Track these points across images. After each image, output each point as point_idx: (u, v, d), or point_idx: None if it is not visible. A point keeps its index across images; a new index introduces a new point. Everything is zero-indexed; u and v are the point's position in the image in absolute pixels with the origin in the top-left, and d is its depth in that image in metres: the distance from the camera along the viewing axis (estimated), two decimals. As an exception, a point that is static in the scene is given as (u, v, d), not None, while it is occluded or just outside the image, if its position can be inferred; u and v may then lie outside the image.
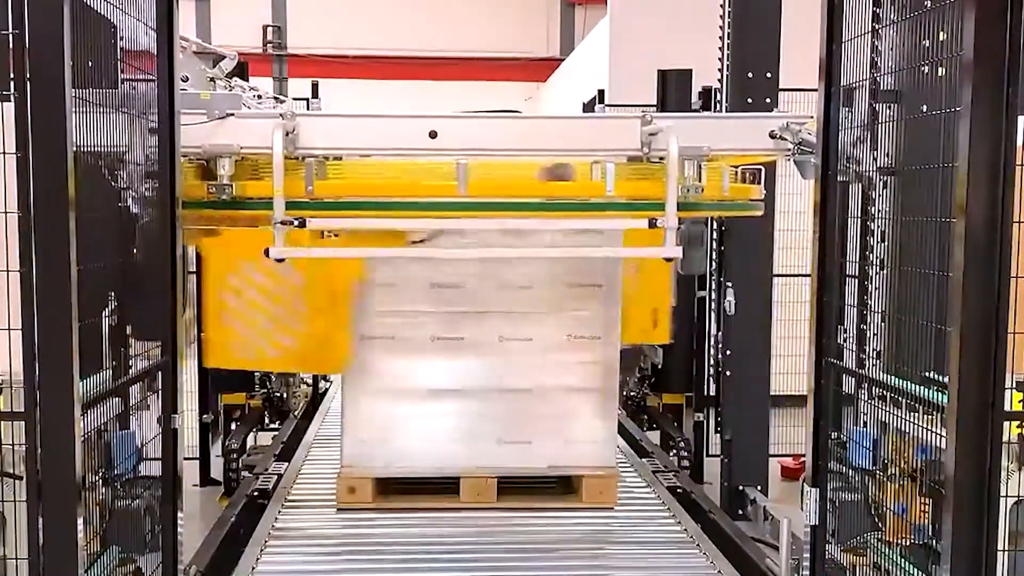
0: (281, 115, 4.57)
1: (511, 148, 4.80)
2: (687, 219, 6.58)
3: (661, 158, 4.64)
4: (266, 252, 4.43)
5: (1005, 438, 3.08)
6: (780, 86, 7.14)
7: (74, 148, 3.09)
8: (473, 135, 4.75)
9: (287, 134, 4.45)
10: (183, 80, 4.67)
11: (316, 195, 4.63)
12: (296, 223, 4.40)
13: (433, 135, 4.65)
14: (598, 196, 4.77)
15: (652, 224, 4.49)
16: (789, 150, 4.85)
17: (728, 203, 5.15)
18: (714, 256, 8.07)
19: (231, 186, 4.60)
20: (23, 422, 3.08)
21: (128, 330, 3.91)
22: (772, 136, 4.85)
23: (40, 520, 3.08)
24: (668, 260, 4.70)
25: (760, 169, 5.83)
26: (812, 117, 4.31)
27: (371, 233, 4.93)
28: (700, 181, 4.81)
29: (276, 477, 5.88)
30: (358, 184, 4.79)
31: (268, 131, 4.41)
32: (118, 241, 3.87)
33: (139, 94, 3.98)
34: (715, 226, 7.64)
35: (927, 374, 3.41)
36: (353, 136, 4.73)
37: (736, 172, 5.29)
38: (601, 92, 9.90)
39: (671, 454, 7.48)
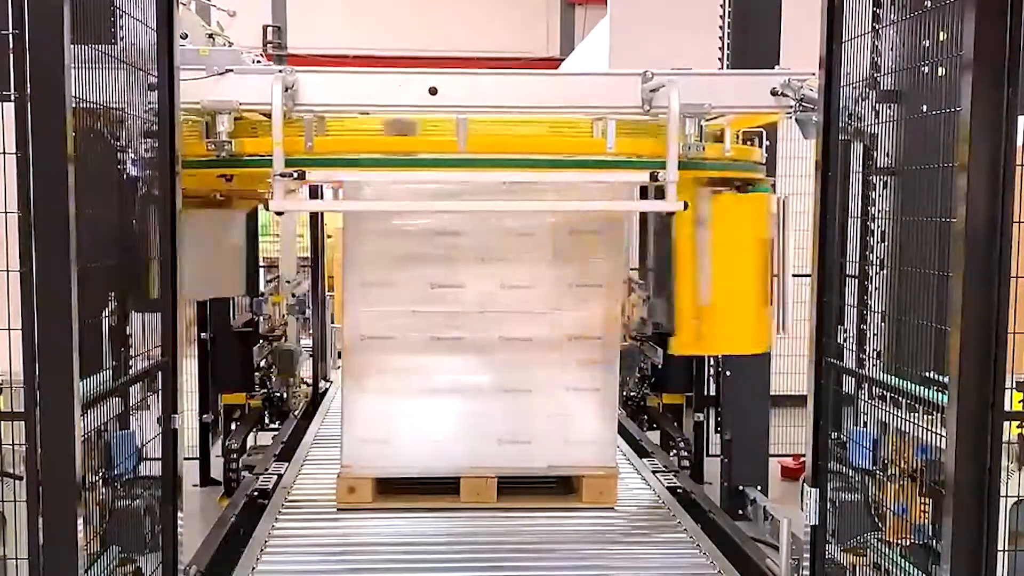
0: (280, 70, 4.53)
1: (512, 105, 4.74)
2: None
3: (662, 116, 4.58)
4: (265, 205, 4.39)
5: (1005, 438, 3.08)
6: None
7: (73, 104, 3.06)
8: (474, 92, 4.67)
9: (286, 89, 4.40)
10: (182, 37, 4.62)
11: (316, 151, 4.57)
12: (295, 175, 4.37)
13: (433, 91, 4.58)
14: (599, 153, 4.71)
15: (653, 178, 4.45)
16: (791, 107, 4.76)
17: (730, 163, 5.09)
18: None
19: (230, 143, 4.56)
20: (23, 422, 3.08)
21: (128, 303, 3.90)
22: (774, 93, 4.76)
23: (40, 520, 3.08)
24: (669, 214, 4.67)
25: (761, 132, 5.77)
26: (814, 74, 4.20)
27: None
28: (701, 141, 4.74)
29: (276, 477, 5.88)
30: (357, 140, 4.73)
31: (268, 87, 4.35)
32: (118, 207, 3.84)
33: (138, 49, 3.93)
34: None
35: (927, 374, 3.41)
36: (353, 92, 4.65)
37: (738, 136, 5.25)
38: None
39: (671, 454, 7.47)
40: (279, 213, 4.43)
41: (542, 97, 4.73)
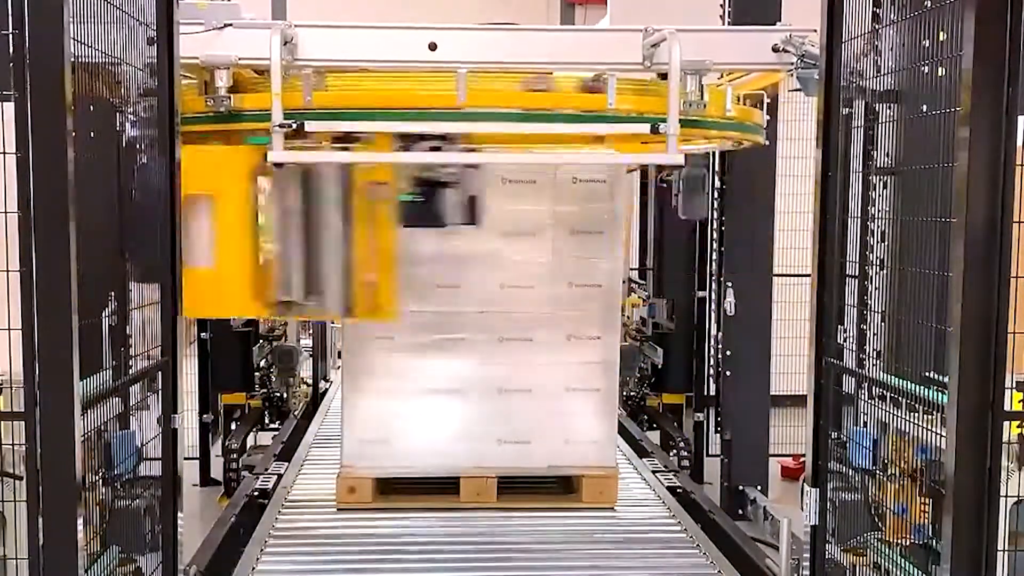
0: (279, 24, 4.50)
1: (512, 61, 4.69)
2: (687, 162, 6.52)
3: (664, 75, 4.55)
4: (265, 156, 4.38)
5: (1005, 438, 3.08)
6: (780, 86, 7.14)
7: (71, 60, 3.04)
8: (473, 48, 4.63)
9: (285, 43, 4.36)
10: None
11: (314, 105, 4.53)
12: (294, 125, 4.35)
13: (433, 47, 4.55)
14: (600, 109, 4.67)
15: (655, 129, 4.42)
16: (792, 64, 4.72)
17: (731, 123, 5.05)
18: (714, 256, 8.08)
19: (229, 98, 4.53)
20: (23, 422, 3.07)
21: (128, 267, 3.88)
22: (775, 50, 4.72)
23: (40, 520, 3.08)
24: (670, 167, 4.61)
25: (762, 96, 5.74)
26: (815, 30, 4.16)
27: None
28: (703, 99, 4.70)
29: (276, 477, 5.88)
30: (356, 95, 4.69)
31: (266, 42, 4.31)
32: (116, 170, 3.81)
33: (137, 3, 3.88)
34: (717, 181, 7.56)
35: (927, 374, 3.41)
36: (351, 47, 4.62)
37: (740, 99, 5.22)
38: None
39: (671, 454, 7.48)
40: (278, 165, 4.40)
41: (543, 53, 4.68)
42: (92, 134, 3.52)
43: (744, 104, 5.41)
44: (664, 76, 4.53)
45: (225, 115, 4.56)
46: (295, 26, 4.49)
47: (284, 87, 4.34)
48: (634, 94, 4.73)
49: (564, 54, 4.71)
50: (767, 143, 5.79)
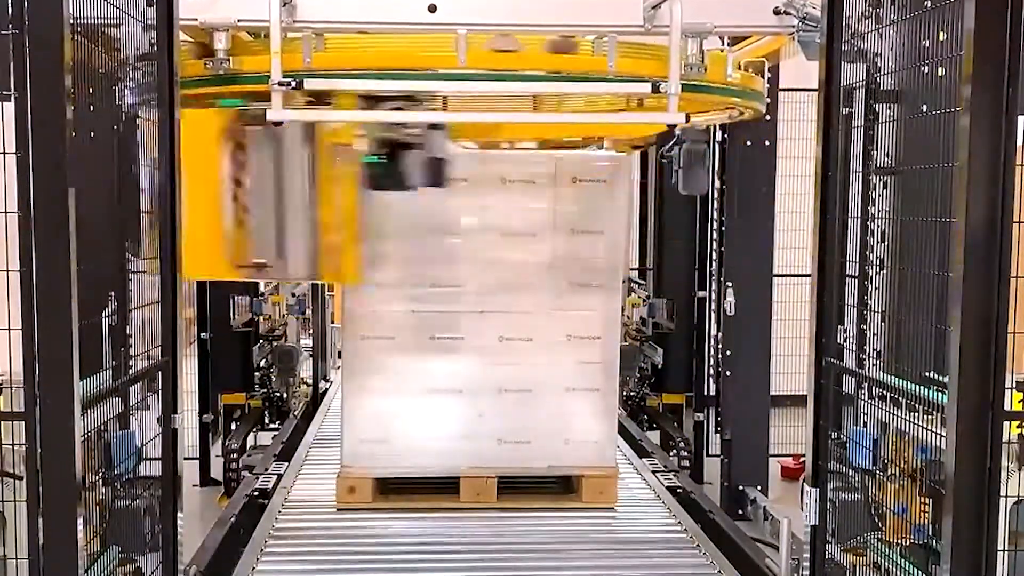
0: None
1: (511, 23, 4.65)
2: (688, 136, 6.51)
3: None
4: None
5: (1005, 438, 3.08)
6: (780, 86, 7.15)
7: (71, 22, 3.03)
8: (473, 8, 4.59)
9: (284, 4, 4.33)
10: None
11: (314, 67, 4.51)
12: (293, 84, 4.34)
13: (432, 9, 4.51)
14: (600, 71, 4.64)
15: (655, 88, 4.39)
16: (793, 27, 4.68)
17: (731, 89, 5.02)
18: (714, 256, 8.09)
19: (228, 60, 4.50)
20: (23, 422, 3.07)
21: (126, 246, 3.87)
22: (776, 12, 4.68)
23: (40, 520, 3.08)
24: (671, 126, 4.57)
25: (763, 63, 5.71)
26: None
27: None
28: (703, 63, 4.66)
29: (276, 477, 5.88)
30: (356, 55, 4.66)
31: (265, 3, 4.24)
32: (116, 145, 3.78)
33: None
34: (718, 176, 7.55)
35: (927, 374, 3.41)
36: (350, 9, 4.57)
37: (740, 63, 5.20)
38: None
39: (671, 454, 7.48)
40: (277, 123, 4.39)
41: (543, 15, 4.64)
42: (91, 107, 3.51)
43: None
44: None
45: (224, 77, 4.55)
46: None
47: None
48: (632, 58, 4.71)
49: (564, 16, 4.68)
50: (767, 117, 5.76)
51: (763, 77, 5.60)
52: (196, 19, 4.41)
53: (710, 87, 4.85)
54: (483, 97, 5.38)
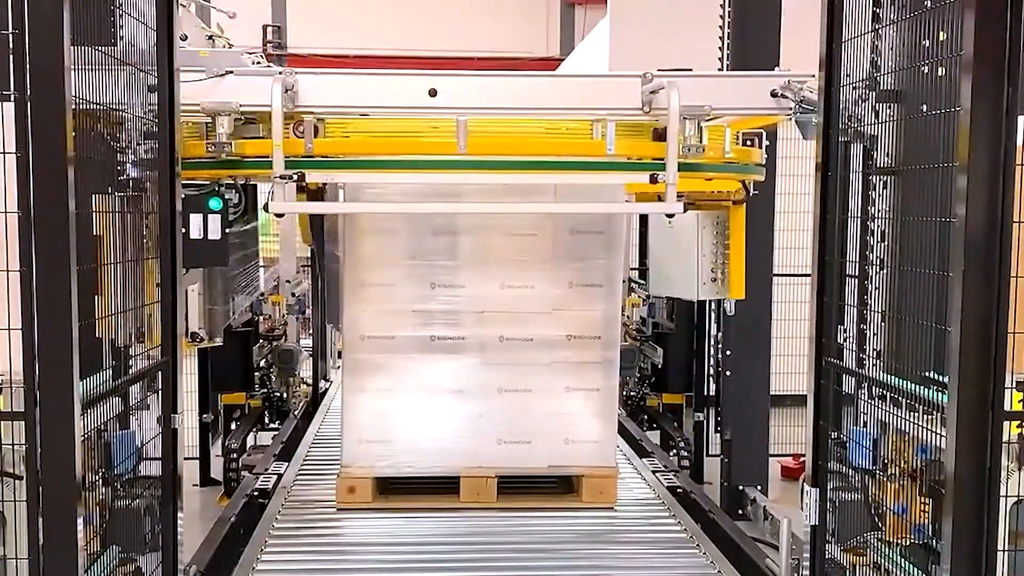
0: (280, 71, 4.53)
1: (511, 107, 4.72)
2: None
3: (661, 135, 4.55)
4: (265, 207, 4.37)
5: (1005, 438, 3.08)
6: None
7: (73, 106, 3.07)
8: (473, 94, 4.66)
9: (286, 91, 4.39)
10: (182, 39, 4.61)
11: (316, 153, 4.55)
12: (295, 177, 4.36)
13: (433, 93, 4.57)
14: (599, 155, 4.68)
15: (653, 180, 4.43)
16: (790, 109, 4.74)
17: (730, 165, 5.06)
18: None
19: (230, 144, 4.54)
20: (23, 422, 3.08)
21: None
22: (774, 95, 4.74)
23: (40, 520, 3.08)
24: (669, 216, 4.61)
25: (761, 133, 5.75)
26: (814, 75, 4.20)
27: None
28: (701, 142, 4.70)
29: (276, 477, 5.88)
30: (357, 142, 4.71)
31: (267, 88, 4.35)
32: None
33: (138, 50, 3.94)
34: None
35: (927, 374, 3.41)
36: (352, 94, 4.65)
37: (737, 137, 5.23)
38: (601, 92, 9.88)
39: (671, 454, 7.48)
40: (279, 215, 4.41)
41: (542, 98, 4.72)
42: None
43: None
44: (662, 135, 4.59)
45: (226, 161, 4.60)
46: (296, 73, 4.54)
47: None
48: (629, 139, 4.77)
49: (564, 99, 4.76)
50: (767, 144, 5.79)
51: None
52: (198, 104, 4.47)
53: (709, 166, 4.90)
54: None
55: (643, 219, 9.33)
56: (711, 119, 4.84)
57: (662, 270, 6.85)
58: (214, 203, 4.72)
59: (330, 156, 4.61)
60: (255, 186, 8.44)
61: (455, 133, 4.51)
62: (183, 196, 4.22)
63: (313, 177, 4.50)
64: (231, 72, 4.60)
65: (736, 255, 5.96)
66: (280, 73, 4.51)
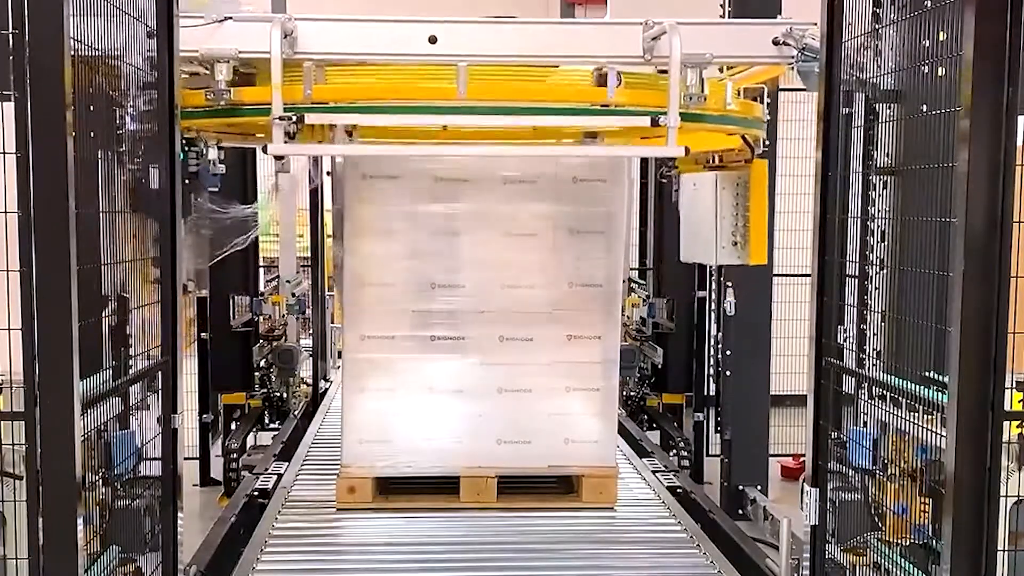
0: (279, 17, 4.48)
1: (512, 54, 4.66)
2: None
3: (664, 70, 4.51)
4: (264, 149, 4.33)
5: (1005, 438, 3.08)
6: (780, 86, 7.14)
7: (72, 53, 3.04)
8: (473, 40, 4.60)
9: (285, 36, 4.35)
10: None
11: (315, 99, 4.51)
12: (294, 119, 4.33)
13: (433, 40, 4.51)
14: (599, 102, 4.64)
15: (655, 122, 4.39)
16: (793, 57, 4.69)
17: (731, 118, 5.01)
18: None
19: (229, 92, 4.49)
20: (23, 422, 3.08)
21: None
22: (775, 43, 4.68)
23: (40, 520, 3.08)
24: (670, 163, 4.50)
25: (763, 90, 5.72)
26: (815, 24, 4.15)
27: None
28: (703, 92, 4.64)
29: (276, 477, 5.88)
30: (356, 88, 4.67)
31: (267, 34, 4.29)
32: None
33: None
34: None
35: (927, 374, 3.41)
36: (352, 40, 4.59)
37: (739, 93, 5.17)
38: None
39: (671, 454, 7.49)
40: (278, 158, 4.37)
41: (543, 46, 4.66)
42: (92, 133, 3.53)
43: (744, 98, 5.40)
44: (664, 71, 4.52)
45: (225, 110, 4.55)
46: (295, 19, 4.48)
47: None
48: (629, 88, 4.71)
49: (564, 47, 4.69)
50: (767, 144, 5.76)
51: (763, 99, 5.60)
52: (197, 51, 4.43)
53: (710, 116, 4.86)
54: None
55: (643, 219, 9.34)
56: (719, 71, 4.74)
57: (688, 237, 6.64)
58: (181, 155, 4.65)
59: (331, 102, 4.57)
60: (255, 170, 8.50)
61: (455, 79, 4.44)
62: (143, 146, 4.10)
63: (312, 119, 4.43)
64: (230, 18, 4.52)
65: (757, 216, 5.66)
66: (279, 17, 4.44)
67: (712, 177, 5.79)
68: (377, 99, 4.63)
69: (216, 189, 5.90)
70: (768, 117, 5.55)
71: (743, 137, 5.40)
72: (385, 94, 4.63)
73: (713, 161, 5.95)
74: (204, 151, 5.02)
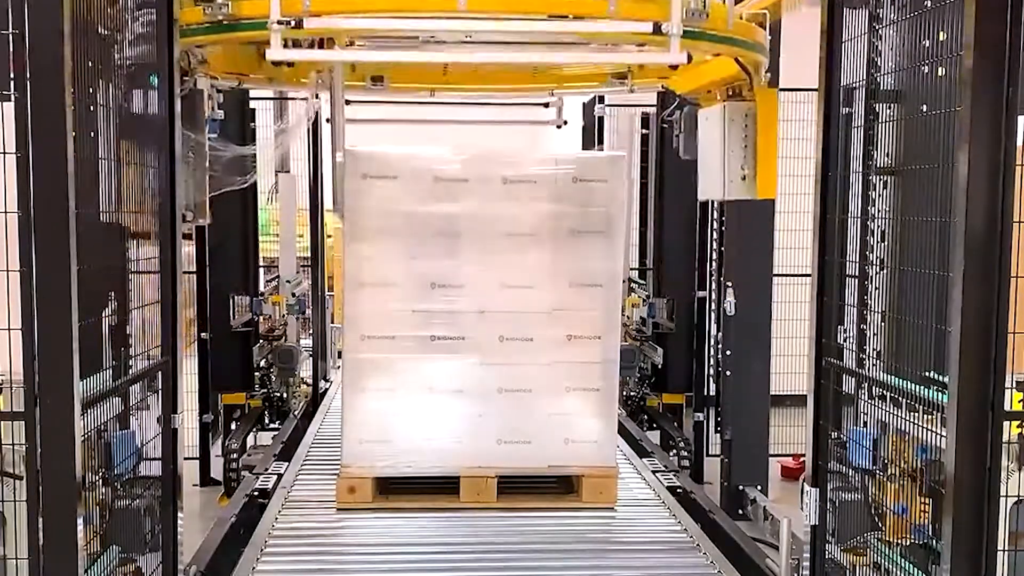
0: None
1: None
2: (689, 100, 6.34)
3: None
4: (263, 55, 4.27)
5: (1005, 438, 3.08)
6: (780, 86, 7.14)
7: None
8: None
9: None
10: None
11: (313, 11, 4.46)
12: (292, 23, 4.27)
13: None
14: (600, 14, 4.61)
15: (657, 29, 4.35)
16: None
17: (732, 38, 4.96)
18: (714, 256, 8.08)
19: (227, 4, 4.44)
20: (23, 422, 3.08)
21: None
22: None
23: (40, 520, 3.08)
24: (673, 68, 4.45)
25: (764, 14, 5.67)
26: None
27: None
28: (704, 8, 4.60)
29: (276, 477, 5.88)
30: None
31: None
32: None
33: None
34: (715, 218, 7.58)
35: (927, 374, 3.41)
36: None
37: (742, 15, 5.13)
38: (601, 92, 9.90)
39: (671, 454, 7.48)
40: (276, 63, 4.33)
41: None
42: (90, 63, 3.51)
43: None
44: None
45: (223, 25, 4.51)
46: None
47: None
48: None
49: None
50: (768, 74, 5.68)
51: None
52: None
53: (711, 35, 4.79)
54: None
55: (643, 219, 9.34)
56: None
57: (703, 174, 6.44)
58: (153, 80, 4.65)
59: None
60: (254, 110, 8.50)
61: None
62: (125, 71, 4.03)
63: (310, 24, 4.39)
64: None
65: (766, 148, 5.51)
66: None
67: (720, 109, 5.65)
68: (375, 10, 4.59)
69: (215, 135, 5.90)
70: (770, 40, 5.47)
71: (737, 61, 5.30)
72: (383, 5, 4.60)
73: (732, 94, 5.82)
74: (195, 82, 4.97)
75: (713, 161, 5.77)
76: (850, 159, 4.01)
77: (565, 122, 7.94)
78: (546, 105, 7.66)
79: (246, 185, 7.73)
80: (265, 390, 8.70)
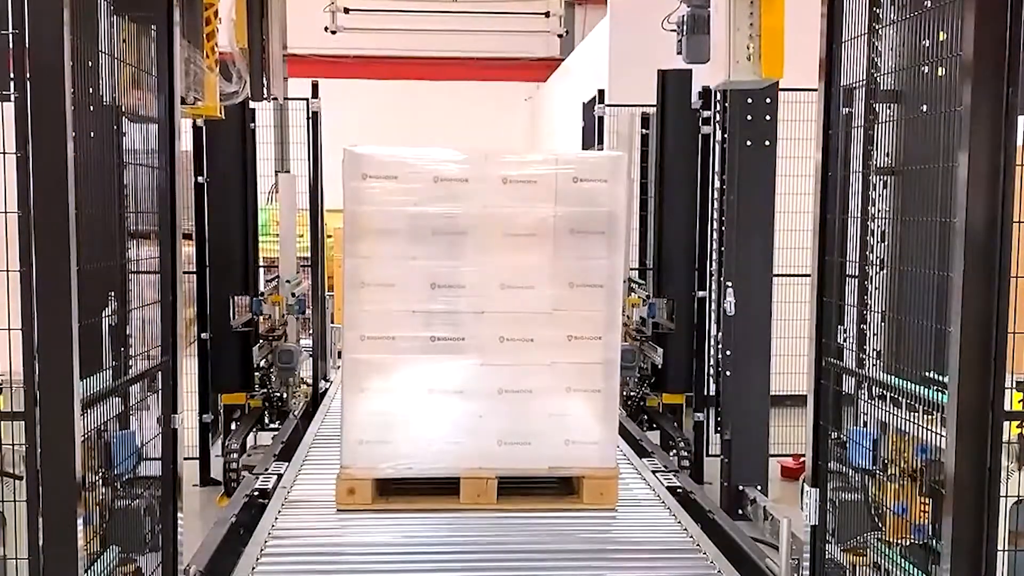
0: None
1: None
2: (693, 2, 6.25)
3: None
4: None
5: (1005, 438, 3.08)
6: (780, 86, 7.14)
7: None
8: None
9: None
10: None
11: None
12: None
13: None
14: None
15: None
16: None
17: None
18: (714, 256, 8.08)
19: None
20: (23, 422, 3.08)
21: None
22: None
23: (40, 520, 3.08)
24: None
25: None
26: None
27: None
28: None
29: (276, 477, 5.88)
30: None
31: None
32: None
33: None
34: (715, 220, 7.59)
35: (927, 374, 3.42)
36: None
37: None
38: (601, 92, 9.92)
39: (671, 454, 7.48)
40: None
41: None
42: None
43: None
44: None
45: None
46: None
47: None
48: None
49: None
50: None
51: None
52: None
53: None
54: None
55: (643, 219, 9.34)
56: None
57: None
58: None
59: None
60: (254, 111, 8.45)
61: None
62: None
63: None
64: None
65: (771, 25, 5.19)
66: None
67: None
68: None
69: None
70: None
71: None
72: None
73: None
74: None
75: (720, 43, 5.53)
76: (850, 159, 4.01)
77: (567, 32, 7.74)
78: (546, 15, 7.47)
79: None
80: (265, 390, 8.70)
